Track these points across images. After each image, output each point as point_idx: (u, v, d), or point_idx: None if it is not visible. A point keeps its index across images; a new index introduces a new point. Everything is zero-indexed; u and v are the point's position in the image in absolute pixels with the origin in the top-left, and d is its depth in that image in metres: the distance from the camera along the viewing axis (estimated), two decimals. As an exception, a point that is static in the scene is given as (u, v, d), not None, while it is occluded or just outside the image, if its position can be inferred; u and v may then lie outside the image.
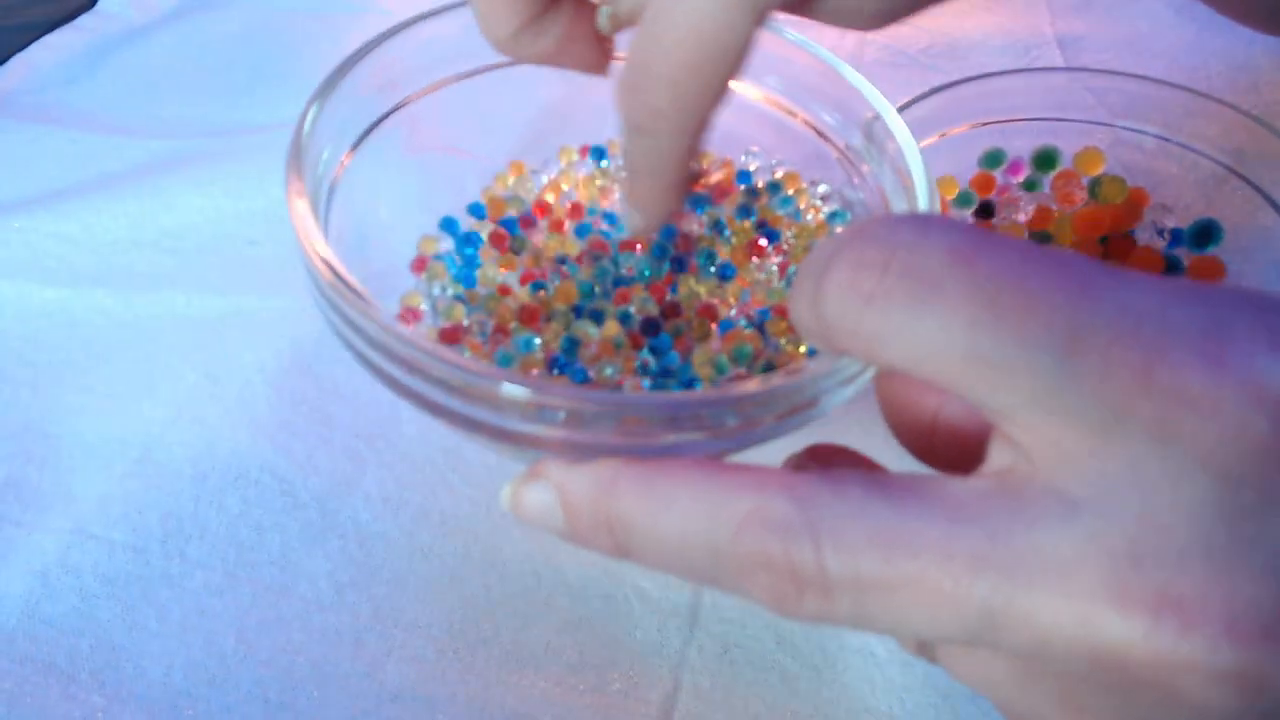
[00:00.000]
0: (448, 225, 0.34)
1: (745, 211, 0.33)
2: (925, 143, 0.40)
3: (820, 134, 0.32)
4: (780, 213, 0.33)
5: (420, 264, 0.33)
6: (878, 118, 0.29)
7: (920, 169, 0.27)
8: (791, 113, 0.33)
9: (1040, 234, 0.39)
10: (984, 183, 0.41)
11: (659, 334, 0.30)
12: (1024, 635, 0.16)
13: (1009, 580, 0.16)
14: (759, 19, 0.22)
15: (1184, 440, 0.15)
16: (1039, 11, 0.57)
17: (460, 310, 0.31)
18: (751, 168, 0.35)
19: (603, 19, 0.26)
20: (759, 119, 0.33)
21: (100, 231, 0.44)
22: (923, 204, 0.26)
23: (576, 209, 0.34)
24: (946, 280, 0.16)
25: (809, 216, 0.33)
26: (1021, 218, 0.40)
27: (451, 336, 0.30)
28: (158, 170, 0.46)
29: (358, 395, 0.37)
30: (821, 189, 0.33)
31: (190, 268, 0.42)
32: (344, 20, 0.59)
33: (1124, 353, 0.15)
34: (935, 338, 0.16)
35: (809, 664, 0.30)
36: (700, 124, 0.23)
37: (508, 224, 0.33)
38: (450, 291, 0.32)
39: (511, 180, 0.36)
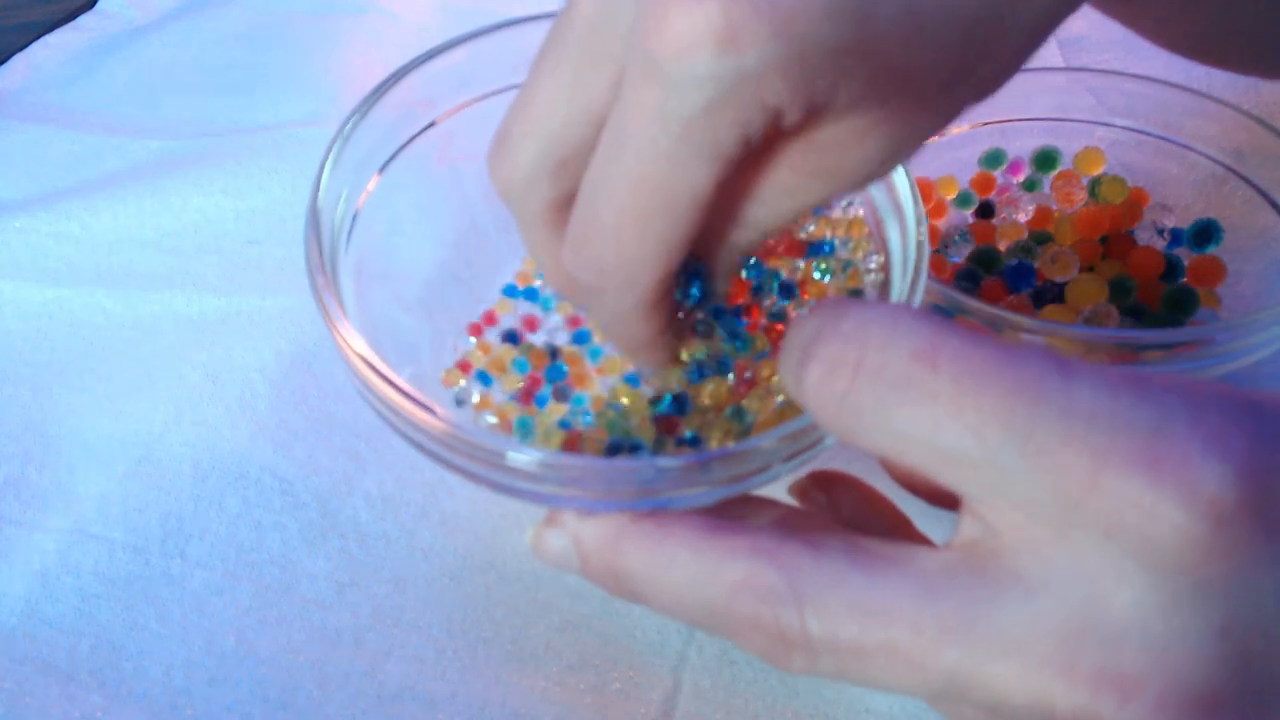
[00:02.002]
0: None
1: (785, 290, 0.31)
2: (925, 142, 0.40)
3: None
4: (824, 281, 0.31)
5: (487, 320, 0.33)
6: None
7: (908, 193, 0.27)
8: None
9: (1040, 234, 0.39)
10: (984, 183, 0.41)
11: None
12: (984, 697, 0.18)
13: (971, 652, 0.18)
14: (723, 168, 0.19)
15: (1127, 537, 0.17)
16: (1039, 11, 0.57)
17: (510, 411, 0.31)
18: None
19: None
20: None
21: (100, 231, 0.44)
22: (910, 226, 0.27)
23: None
24: (912, 381, 0.18)
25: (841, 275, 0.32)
26: (1021, 218, 0.40)
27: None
28: (158, 170, 0.46)
29: (358, 395, 0.37)
30: (875, 261, 0.31)
31: (190, 268, 0.42)
32: (344, 20, 0.59)
33: (1075, 455, 0.17)
34: (903, 433, 0.18)
35: (809, 664, 0.30)
36: (654, 286, 0.21)
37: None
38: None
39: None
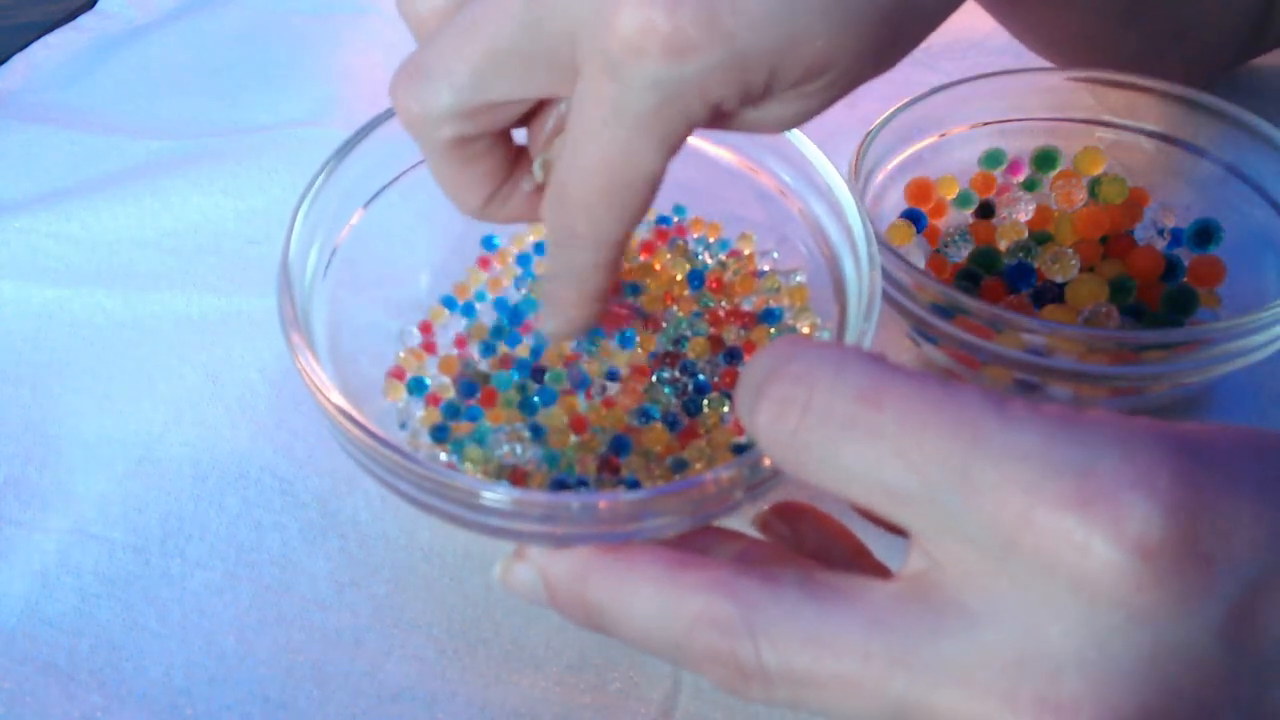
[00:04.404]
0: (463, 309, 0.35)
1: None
2: (925, 143, 0.40)
3: (781, 192, 0.33)
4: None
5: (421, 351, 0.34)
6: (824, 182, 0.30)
7: (861, 233, 0.29)
8: (754, 170, 0.34)
9: (1040, 234, 0.39)
10: (984, 183, 0.41)
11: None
12: None
13: (918, 681, 0.19)
14: (671, 151, 0.23)
15: (1061, 571, 0.18)
16: (1039, 11, 0.57)
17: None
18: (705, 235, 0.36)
19: (537, 169, 0.27)
20: (722, 175, 0.34)
21: (100, 231, 0.44)
22: (864, 263, 0.28)
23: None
24: (857, 421, 0.19)
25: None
26: (1021, 218, 0.40)
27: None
28: (158, 170, 0.46)
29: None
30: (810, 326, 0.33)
31: (190, 268, 0.42)
32: (344, 20, 0.59)
33: (1010, 494, 0.18)
34: (850, 470, 0.19)
35: (809, 664, 0.30)
36: (616, 244, 0.25)
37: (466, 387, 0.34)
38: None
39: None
